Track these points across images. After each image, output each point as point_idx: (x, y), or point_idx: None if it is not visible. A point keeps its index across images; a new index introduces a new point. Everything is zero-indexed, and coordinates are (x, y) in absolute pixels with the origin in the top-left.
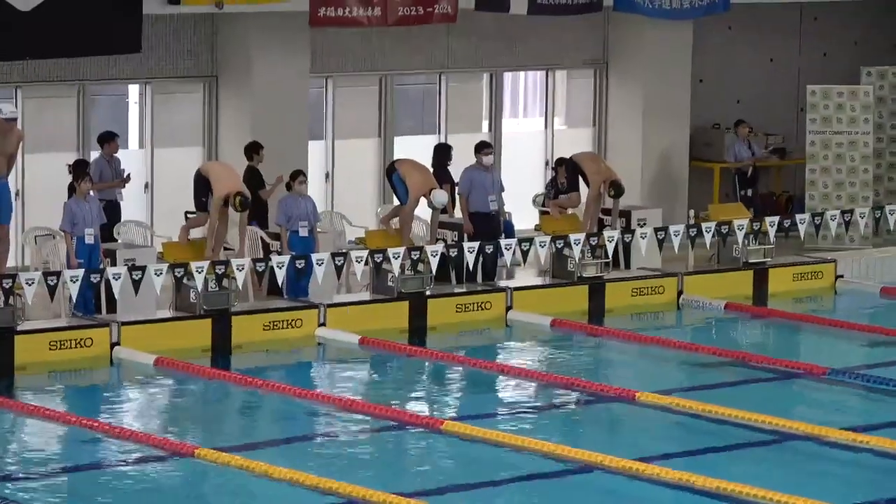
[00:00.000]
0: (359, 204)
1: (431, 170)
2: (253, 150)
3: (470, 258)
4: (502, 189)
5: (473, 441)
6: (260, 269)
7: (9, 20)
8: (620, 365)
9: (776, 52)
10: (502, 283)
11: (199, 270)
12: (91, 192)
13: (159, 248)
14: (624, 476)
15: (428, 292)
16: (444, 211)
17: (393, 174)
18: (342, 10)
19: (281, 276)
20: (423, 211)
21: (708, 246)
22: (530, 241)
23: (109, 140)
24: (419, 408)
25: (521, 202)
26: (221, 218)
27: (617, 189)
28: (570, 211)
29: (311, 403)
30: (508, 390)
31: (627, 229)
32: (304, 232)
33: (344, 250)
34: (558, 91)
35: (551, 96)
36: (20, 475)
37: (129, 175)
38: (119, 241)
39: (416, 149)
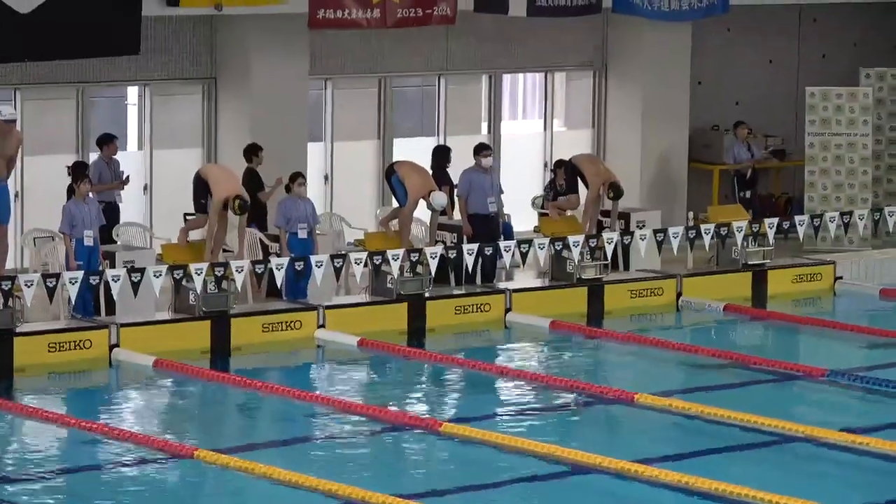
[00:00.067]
0: (358, 206)
1: (430, 172)
2: (252, 151)
3: (469, 260)
4: (501, 191)
5: (472, 442)
6: (259, 271)
7: (8, 22)
8: (619, 366)
9: (775, 53)
10: (501, 285)
11: (199, 272)
12: (90, 194)
13: (158, 250)
14: (623, 478)
15: (427, 294)
16: (443, 213)
17: (392, 176)
18: (341, 12)
19: (280, 277)
20: (422, 213)
21: (707, 247)
22: (529, 242)
23: (108, 142)
24: (418, 409)
25: (519, 204)
26: (220, 220)
27: (616, 191)
28: (569, 213)
29: (311, 405)
30: (507, 392)
31: (626, 231)
32: (303, 234)
33: (343, 252)
34: (557, 93)
35: (550, 98)
36: (19, 477)
37: (128, 177)
38: (118, 242)
39: (415, 151)
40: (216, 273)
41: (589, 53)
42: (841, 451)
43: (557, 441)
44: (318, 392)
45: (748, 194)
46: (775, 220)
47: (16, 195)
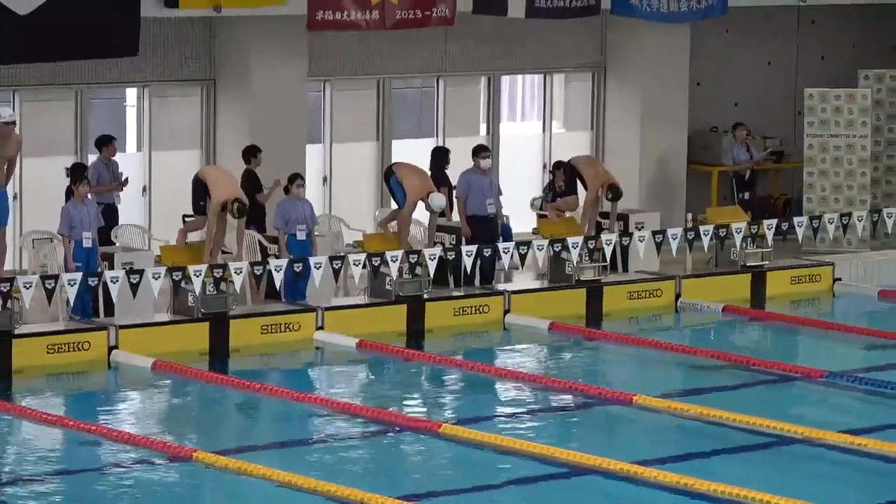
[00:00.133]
0: (356, 207)
1: (429, 173)
2: (251, 153)
3: (468, 261)
4: (500, 192)
5: (471, 444)
6: (258, 273)
7: (7, 24)
8: (618, 368)
9: (774, 55)
10: (500, 287)
11: (197, 274)
12: (89, 196)
13: (157, 252)
14: (622, 479)
15: (426, 295)
16: (441, 214)
17: (391, 177)
18: (340, 14)
19: (279, 279)
20: (420, 214)
21: (706, 249)
22: (528, 244)
23: (107, 143)
24: (417, 411)
25: (518, 205)
26: (219, 222)
27: (615, 192)
28: (567, 214)
29: (309, 406)
30: (506, 393)
31: (625, 232)
32: (301, 235)
33: (342, 254)
34: (556, 94)
35: (549, 100)
36: (17, 478)
37: (126, 178)
38: (117, 244)
39: (413, 152)
40: (215, 275)
41: (588, 55)
42: (840, 453)
43: (556, 442)
44: (316, 394)
45: (747, 195)
46: (774, 222)
47: (14, 196)
